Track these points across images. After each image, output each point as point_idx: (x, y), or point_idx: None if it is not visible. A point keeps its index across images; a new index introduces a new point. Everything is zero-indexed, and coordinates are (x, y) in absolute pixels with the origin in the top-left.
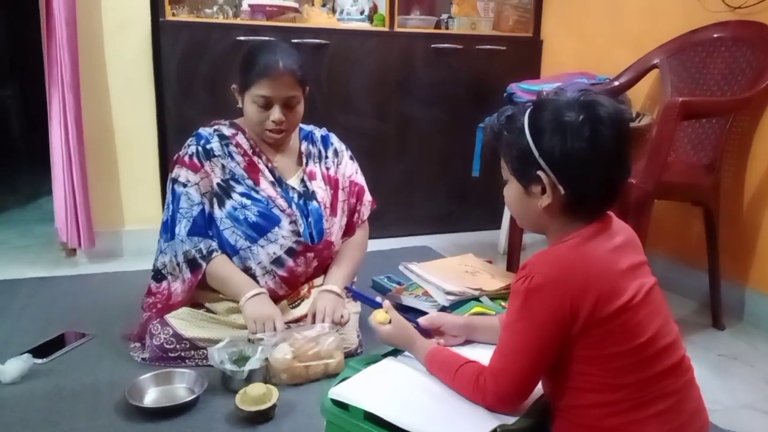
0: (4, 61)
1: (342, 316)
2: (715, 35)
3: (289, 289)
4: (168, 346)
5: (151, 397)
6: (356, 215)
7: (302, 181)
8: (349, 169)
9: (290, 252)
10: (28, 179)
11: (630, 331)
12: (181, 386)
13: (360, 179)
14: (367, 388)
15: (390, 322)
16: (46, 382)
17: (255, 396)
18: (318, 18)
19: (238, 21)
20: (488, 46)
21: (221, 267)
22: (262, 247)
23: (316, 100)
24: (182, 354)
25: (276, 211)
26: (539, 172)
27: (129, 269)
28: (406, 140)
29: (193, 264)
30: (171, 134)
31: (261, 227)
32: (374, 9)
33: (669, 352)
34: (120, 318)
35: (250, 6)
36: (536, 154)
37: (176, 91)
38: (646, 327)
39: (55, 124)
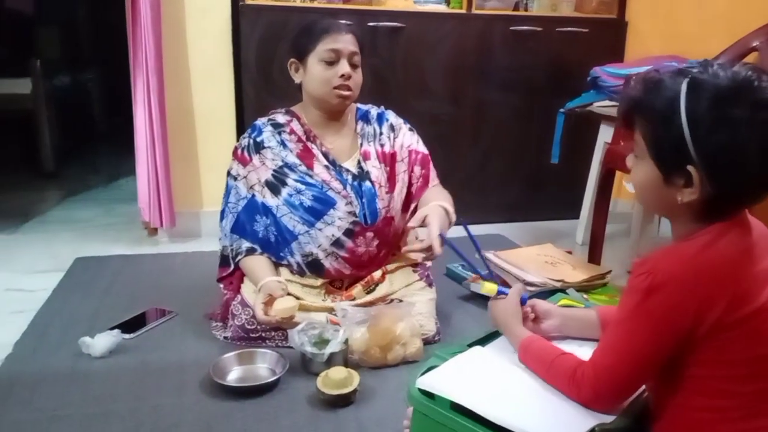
0: (88, 45)
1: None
2: None
3: (354, 269)
4: (249, 327)
5: (234, 376)
6: (420, 181)
7: (358, 162)
8: (408, 140)
9: (349, 233)
10: (109, 160)
11: (758, 337)
12: (263, 366)
13: (422, 148)
14: (455, 379)
15: (498, 294)
16: (133, 357)
17: (337, 380)
18: (395, 1)
19: (315, 4)
20: (569, 29)
21: (246, 264)
22: (320, 230)
23: (391, 84)
24: (263, 335)
25: (331, 193)
26: (690, 167)
27: (207, 249)
28: (482, 126)
29: (224, 261)
30: (248, 118)
31: (316, 211)
32: None
33: None
34: (201, 297)
35: None
36: (692, 148)
37: (254, 75)
38: None
39: (139, 107)
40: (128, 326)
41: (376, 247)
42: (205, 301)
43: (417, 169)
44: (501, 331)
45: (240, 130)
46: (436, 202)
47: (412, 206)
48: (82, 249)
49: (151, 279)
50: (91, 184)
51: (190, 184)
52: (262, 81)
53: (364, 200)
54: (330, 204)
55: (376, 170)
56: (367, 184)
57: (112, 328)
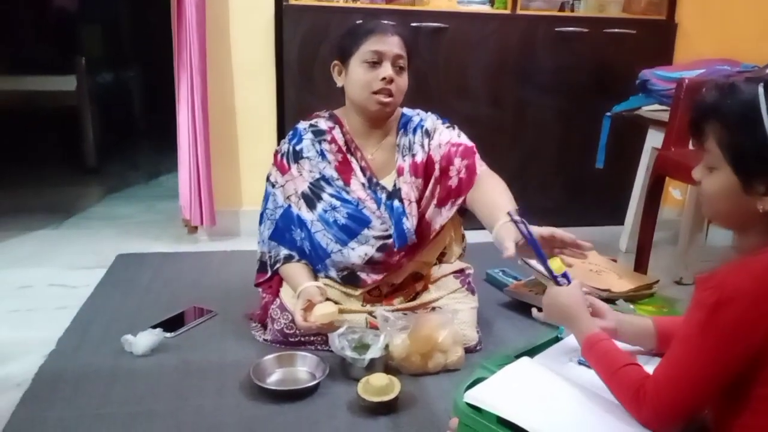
0: (130, 44)
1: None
2: None
3: (390, 269)
4: (288, 331)
5: (274, 378)
6: (464, 172)
7: (394, 180)
8: (446, 136)
9: (382, 248)
10: (149, 157)
11: None
12: (303, 369)
13: (464, 140)
14: (503, 393)
15: (563, 276)
16: (175, 356)
17: (378, 386)
18: (438, 1)
19: (358, 5)
20: (617, 30)
21: (285, 271)
22: (352, 249)
23: (431, 86)
24: (302, 339)
25: (366, 212)
26: None
27: (246, 249)
28: (523, 129)
29: (262, 267)
30: (290, 118)
31: (350, 230)
32: None
33: None
34: (241, 297)
35: None
36: None
37: (296, 76)
38: None
39: (182, 106)
40: (169, 325)
41: (410, 249)
42: (245, 301)
43: (458, 161)
44: (561, 319)
45: (281, 130)
46: (503, 221)
47: (460, 200)
48: (124, 245)
49: (190, 277)
50: (132, 181)
51: (230, 182)
52: (304, 82)
53: (394, 220)
54: (365, 223)
55: (406, 186)
56: (396, 203)
57: (154, 327)
